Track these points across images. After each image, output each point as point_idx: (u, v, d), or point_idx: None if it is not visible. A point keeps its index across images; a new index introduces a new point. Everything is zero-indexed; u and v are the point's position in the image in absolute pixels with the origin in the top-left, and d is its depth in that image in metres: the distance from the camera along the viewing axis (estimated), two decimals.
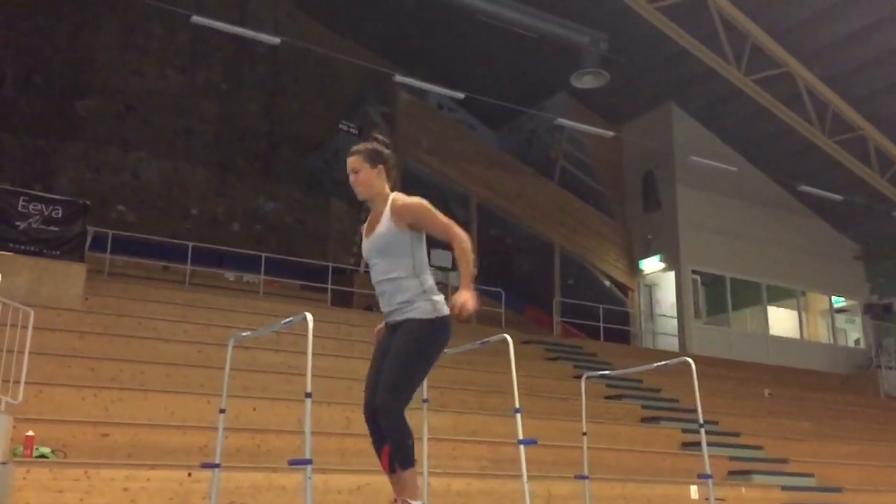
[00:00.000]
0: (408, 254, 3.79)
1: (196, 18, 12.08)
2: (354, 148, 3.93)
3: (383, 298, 3.85)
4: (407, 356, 3.69)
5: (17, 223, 10.06)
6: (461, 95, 14.49)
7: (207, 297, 12.42)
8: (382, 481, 7.21)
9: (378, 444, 3.77)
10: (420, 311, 3.73)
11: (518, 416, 4.45)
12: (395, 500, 3.75)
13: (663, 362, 7.15)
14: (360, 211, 17.67)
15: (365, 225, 3.97)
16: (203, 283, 14.38)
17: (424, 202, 3.81)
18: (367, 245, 3.90)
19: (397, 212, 3.78)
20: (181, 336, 9.97)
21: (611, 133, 17.29)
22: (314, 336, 3.93)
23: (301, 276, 16.27)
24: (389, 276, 3.79)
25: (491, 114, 19.57)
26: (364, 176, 3.87)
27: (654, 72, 17.83)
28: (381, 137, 3.99)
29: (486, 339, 4.89)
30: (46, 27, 17.01)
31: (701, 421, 6.25)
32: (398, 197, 3.87)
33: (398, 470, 3.71)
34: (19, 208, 10.19)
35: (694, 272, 18.80)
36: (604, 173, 19.93)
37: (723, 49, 15.53)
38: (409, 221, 3.78)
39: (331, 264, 15.95)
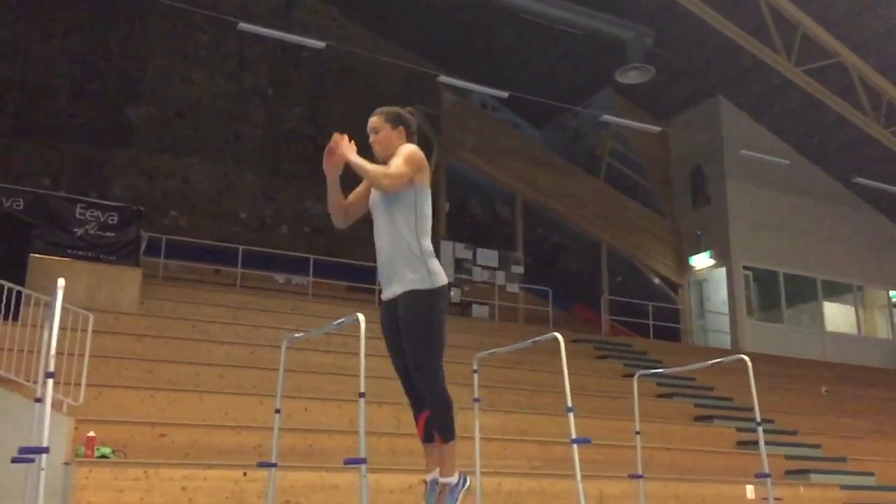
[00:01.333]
0: (411, 206, 3.78)
1: (243, 25, 12.27)
2: (379, 109, 3.97)
3: (381, 258, 3.84)
4: (421, 336, 3.71)
5: (75, 230, 10.34)
6: (505, 94, 14.45)
7: (258, 300, 12.60)
8: None
9: (417, 410, 3.86)
10: (418, 279, 3.72)
11: (570, 415, 4.41)
12: (425, 480, 3.82)
13: (719, 360, 7.04)
14: None
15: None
16: (253, 286, 14.59)
17: (413, 150, 3.80)
18: (373, 195, 3.91)
19: (394, 155, 3.83)
20: (233, 338, 10.13)
21: (657, 128, 17.09)
22: (364, 336, 3.95)
23: (349, 278, 16.39)
24: (391, 226, 3.79)
25: (535, 112, 19.50)
26: (384, 135, 3.90)
27: (702, 65, 17.56)
28: (407, 108, 4.04)
29: (536, 339, 4.86)
30: (99, 38, 17.43)
31: (758, 419, 6.14)
32: (408, 145, 3.89)
33: (440, 443, 3.76)
34: (77, 215, 10.47)
35: (745, 268, 18.47)
36: (651, 169, 19.70)
37: (772, 40, 15.24)
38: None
39: None
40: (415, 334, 3.71)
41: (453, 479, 3.76)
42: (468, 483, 3.82)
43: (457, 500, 3.76)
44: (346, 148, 3.69)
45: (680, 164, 19.60)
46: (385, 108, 3.96)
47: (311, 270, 15.23)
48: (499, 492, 7.31)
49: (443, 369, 3.76)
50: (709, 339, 18.74)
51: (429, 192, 3.86)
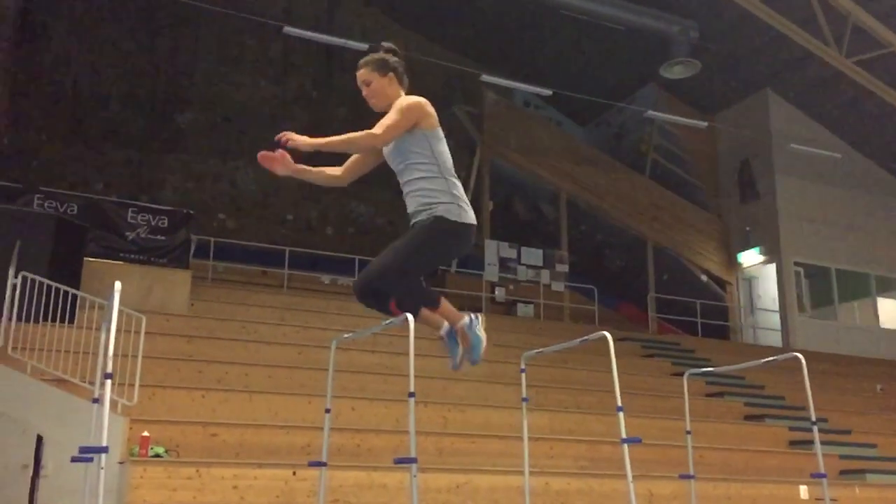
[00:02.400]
0: (428, 153, 3.61)
1: (288, 29, 12.42)
2: (362, 60, 3.77)
3: (409, 202, 3.66)
4: (414, 241, 3.53)
5: (127, 234, 10.59)
6: (548, 92, 14.38)
7: (304, 301, 12.74)
8: (480, 480, 7.25)
9: (383, 305, 3.63)
10: (444, 210, 3.54)
11: (621, 414, 4.37)
12: (441, 336, 3.69)
13: (773, 358, 6.91)
14: None
15: None
16: (300, 287, 14.75)
17: (410, 100, 3.62)
18: (385, 152, 3.76)
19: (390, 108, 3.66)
20: (281, 339, 10.26)
21: (704, 123, 16.84)
22: (408, 336, 3.97)
23: None
24: (413, 177, 3.63)
25: (578, 109, 19.37)
26: (377, 85, 3.74)
27: (748, 58, 17.26)
28: (386, 45, 3.83)
29: (585, 338, 4.83)
30: (148, 46, 17.79)
31: (813, 418, 6.02)
32: (406, 96, 3.72)
33: (432, 311, 3.66)
34: (128, 219, 10.72)
35: (796, 264, 18.09)
36: (697, 165, 19.43)
37: (821, 31, 14.91)
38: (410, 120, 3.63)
39: None
40: (408, 236, 3.54)
41: (465, 320, 3.71)
42: (480, 319, 3.75)
43: (478, 331, 3.70)
44: (301, 139, 3.47)
45: (727, 159, 19.29)
46: (368, 58, 3.76)
47: (356, 271, 15.34)
48: (547, 491, 7.29)
49: (411, 277, 3.57)
50: (758, 337, 18.41)
51: (441, 134, 3.67)
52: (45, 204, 10.44)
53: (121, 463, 6.30)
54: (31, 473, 7.07)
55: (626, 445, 4.30)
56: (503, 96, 18.13)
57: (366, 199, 19.56)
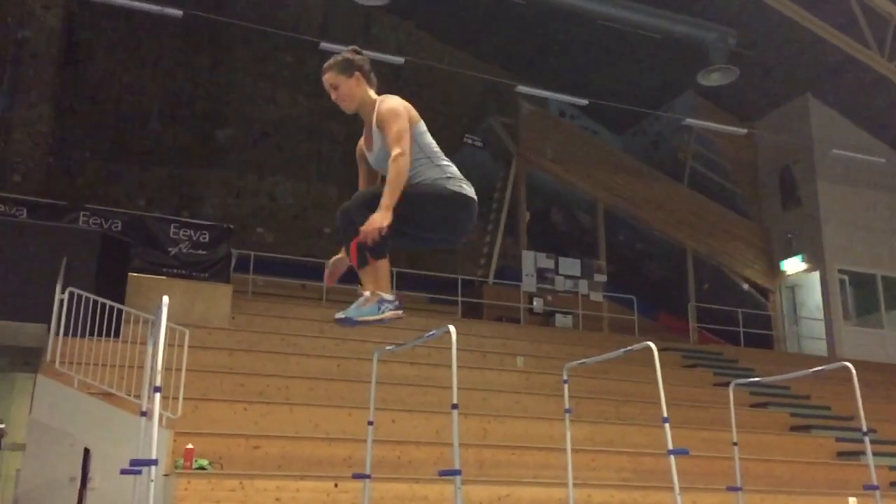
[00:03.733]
0: (415, 149, 3.53)
1: (324, 45, 12.55)
2: (326, 64, 3.71)
3: None
4: (418, 190, 3.44)
5: (170, 249, 10.77)
6: (584, 102, 14.34)
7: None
8: (523, 492, 7.21)
9: (347, 238, 3.53)
10: (443, 181, 3.49)
11: (666, 425, 4.31)
12: (363, 294, 3.57)
13: (820, 367, 6.78)
14: (487, 223, 17.79)
15: (362, 138, 3.77)
16: (338, 300, 14.76)
17: (397, 108, 3.53)
18: (370, 157, 3.70)
19: (380, 117, 3.56)
20: (321, 351, 10.32)
21: (743, 130, 16.66)
22: (446, 348, 3.97)
23: (431, 290, 16.50)
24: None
25: (614, 118, 19.27)
26: (344, 89, 3.67)
27: (788, 64, 17.03)
28: (349, 47, 3.78)
29: (629, 348, 4.78)
30: (187, 64, 18.12)
31: (864, 429, 5.89)
32: (383, 100, 3.62)
33: (371, 260, 3.52)
34: (171, 235, 10.91)
35: (840, 271, 17.74)
36: (737, 172, 19.18)
37: (862, 35, 14.66)
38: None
39: (460, 277, 16.10)
40: (411, 190, 3.42)
41: (389, 295, 3.56)
42: (401, 311, 3.59)
43: (382, 312, 3.54)
44: (380, 221, 3.31)
45: (767, 166, 19.03)
46: (331, 61, 3.70)
47: (393, 283, 15.38)
48: (589, 503, 7.22)
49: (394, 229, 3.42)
50: (803, 346, 18.07)
51: (423, 126, 3.62)
52: (91, 220, 10.66)
53: (166, 475, 6.38)
54: (78, 485, 7.21)
55: (672, 457, 4.21)
56: (539, 107, 18.11)
57: None
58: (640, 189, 18.06)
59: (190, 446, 6.59)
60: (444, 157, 3.62)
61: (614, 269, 17.55)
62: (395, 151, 3.42)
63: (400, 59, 13.83)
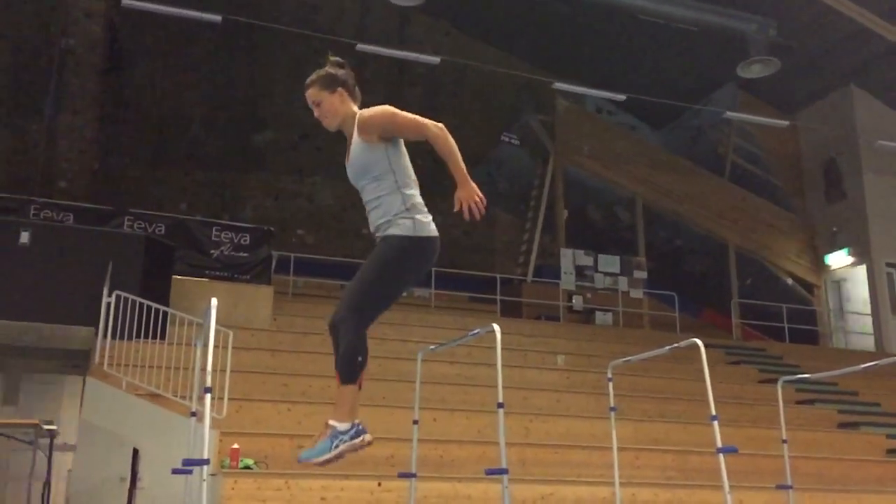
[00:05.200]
0: (387, 169, 3.48)
1: (361, 46, 12.62)
2: (308, 79, 3.67)
3: (370, 219, 3.57)
4: (374, 270, 3.41)
5: (212, 251, 10.92)
6: (622, 97, 14.21)
7: (382, 313, 12.83)
8: (566, 491, 7.18)
9: (336, 348, 3.53)
10: (400, 227, 3.42)
11: (715, 423, 4.24)
12: (330, 423, 3.44)
13: (873, 363, 6.60)
14: (525, 221, 17.73)
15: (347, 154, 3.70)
16: None
17: (388, 107, 3.51)
18: (349, 171, 3.63)
19: (363, 126, 3.50)
20: None
21: (785, 122, 16.35)
22: (487, 347, 3.97)
23: (469, 289, 16.50)
24: (374, 195, 3.51)
25: (652, 113, 19.05)
26: (327, 105, 3.62)
27: (830, 54, 16.70)
28: (333, 59, 3.73)
29: (675, 345, 4.72)
30: (226, 69, 18.35)
31: None
32: (363, 111, 3.57)
33: (338, 383, 3.43)
34: (212, 237, 11.06)
35: (888, 265, 17.35)
36: (779, 165, 18.87)
37: None
38: (378, 133, 3.48)
39: (499, 275, 16.07)
40: (371, 266, 3.42)
41: (343, 426, 3.37)
42: (362, 439, 3.38)
43: (336, 448, 3.35)
44: (475, 193, 3.41)
45: (811, 159, 18.69)
46: (315, 76, 3.66)
47: (432, 282, 15.42)
48: (634, 502, 7.16)
49: (374, 317, 3.48)
50: (850, 342, 17.71)
51: (399, 143, 3.57)
52: (135, 225, 10.85)
53: (213, 475, 6.47)
54: (128, 485, 7.35)
55: (721, 455, 4.14)
56: (575, 103, 18.00)
57: (440, 211, 19.61)
58: (679, 184, 17.85)
59: (236, 446, 6.68)
60: (412, 182, 3.52)
61: (654, 266, 17.37)
62: (430, 130, 3.42)
63: (436, 59, 13.84)
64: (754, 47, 15.00)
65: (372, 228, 3.55)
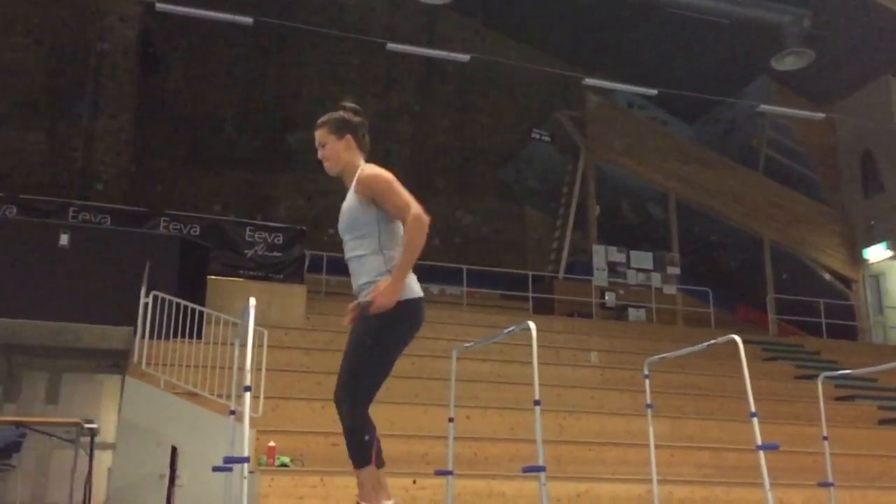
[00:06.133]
0: (373, 231, 3.41)
1: (391, 46, 12.66)
2: (320, 119, 3.65)
3: (352, 278, 3.51)
4: (361, 347, 3.34)
5: (246, 251, 11.04)
6: (654, 92, 14.09)
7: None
8: (601, 489, 7.15)
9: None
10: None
11: (754, 420, 4.20)
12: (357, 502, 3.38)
13: None
14: (556, 218, 17.67)
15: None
16: None
17: (386, 176, 3.44)
18: (339, 220, 3.58)
19: (360, 183, 3.44)
20: None
21: (821, 115, 16.10)
22: (519, 344, 3.97)
23: (501, 286, 16.49)
24: (355, 252, 3.45)
25: (684, 107, 18.88)
26: (331, 148, 3.57)
27: (866, 45, 16.40)
28: (349, 105, 3.67)
29: (713, 341, 4.66)
30: (258, 71, 18.52)
31: None
32: (365, 167, 3.51)
33: (355, 469, 3.36)
34: (246, 237, 11.19)
35: None
36: (815, 158, 18.57)
37: None
38: (369, 195, 3.43)
39: (530, 272, 16.04)
40: (356, 343, 3.36)
41: None
42: None
43: None
44: (385, 298, 3.26)
45: (847, 151, 18.37)
46: (328, 117, 3.62)
47: (464, 280, 15.43)
48: (670, 499, 7.11)
49: (369, 395, 3.39)
50: (889, 336, 17.40)
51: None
52: (170, 226, 11.01)
53: (251, 472, 6.54)
54: (167, 483, 7.46)
55: (762, 452, 4.08)
56: (606, 98, 17.89)
57: (471, 209, 19.69)
58: (713, 179, 17.66)
59: (272, 444, 6.74)
60: (397, 245, 3.43)
61: (688, 262, 17.21)
62: (409, 215, 3.31)
63: (465, 57, 13.84)
64: (788, 39, 14.78)
65: (354, 288, 3.49)
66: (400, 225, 3.45)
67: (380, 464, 3.39)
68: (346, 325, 3.55)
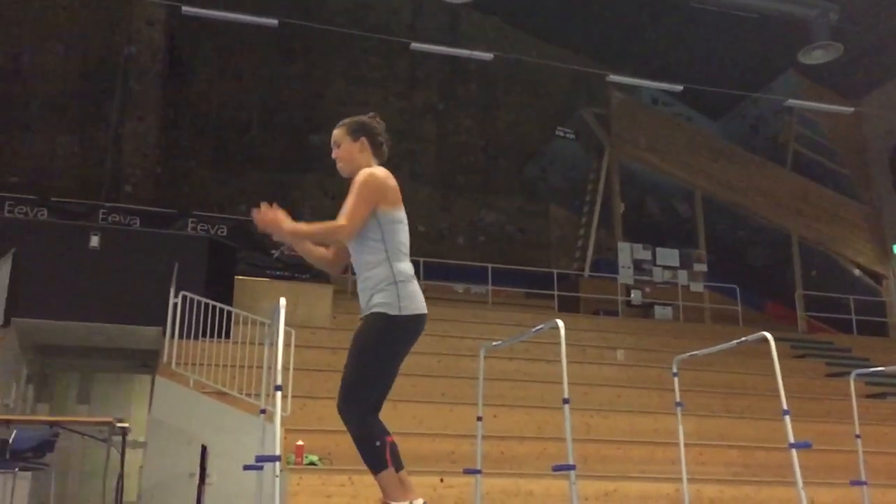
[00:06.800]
0: (377, 236, 3.38)
1: (414, 45, 12.69)
2: (342, 121, 3.63)
3: (359, 288, 3.48)
4: (359, 356, 3.33)
5: (272, 252, 11.12)
6: (679, 88, 13.99)
7: (440, 310, 12.87)
8: (630, 488, 7.12)
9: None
10: (383, 305, 3.31)
11: (786, 418, 4.16)
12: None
13: None
14: (581, 216, 17.60)
15: None
16: (435, 297, 14.85)
17: (369, 178, 3.38)
18: None
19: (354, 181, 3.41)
20: (420, 348, 10.29)
21: (849, 109, 15.89)
22: (545, 342, 3.96)
23: (526, 284, 16.47)
24: (361, 258, 3.42)
25: (710, 103, 18.73)
26: (345, 149, 3.55)
27: (894, 37, 16.16)
28: (371, 115, 3.67)
29: (744, 339, 4.62)
30: (282, 72, 18.63)
31: None
32: (366, 168, 3.47)
33: (373, 475, 3.36)
34: (273, 238, 11.25)
35: None
36: (843, 153, 18.34)
37: None
38: None
39: (555, 270, 16.00)
40: (355, 352, 3.33)
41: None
42: None
43: None
44: (274, 222, 3.26)
45: (877, 145, 18.12)
46: (348, 119, 3.60)
47: (489, 279, 15.43)
48: (699, 498, 7.06)
49: (371, 403, 3.39)
50: None
51: (397, 214, 3.43)
52: (198, 227, 11.13)
53: (280, 471, 6.60)
54: (197, 481, 7.54)
55: (794, 451, 4.04)
56: (630, 95, 17.79)
57: (495, 208, 19.68)
58: (739, 175, 17.50)
59: (300, 443, 6.79)
60: (404, 255, 3.40)
61: (715, 259, 17.07)
62: (340, 221, 3.30)
63: (489, 55, 13.83)
64: (815, 33, 14.59)
65: (360, 299, 3.46)
66: (405, 233, 3.44)
67: (398, 466, 3.38)
68: None
